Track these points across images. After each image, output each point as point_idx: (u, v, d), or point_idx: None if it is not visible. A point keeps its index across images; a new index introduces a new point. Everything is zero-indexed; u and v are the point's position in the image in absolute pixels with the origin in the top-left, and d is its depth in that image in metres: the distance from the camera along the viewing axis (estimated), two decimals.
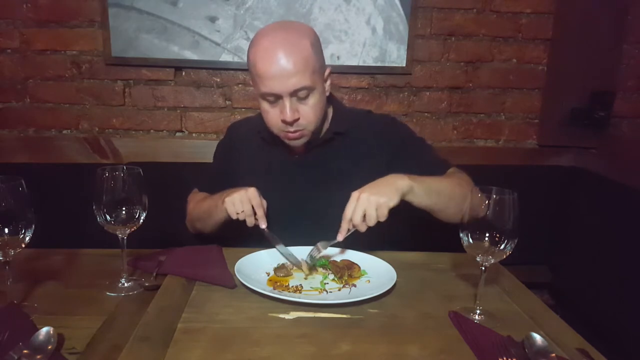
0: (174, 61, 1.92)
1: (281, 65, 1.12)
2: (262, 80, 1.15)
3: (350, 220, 1.06)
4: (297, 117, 1.17)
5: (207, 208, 1.30)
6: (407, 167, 1.26)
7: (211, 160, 1.49)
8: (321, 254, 1.12)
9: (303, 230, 1.21)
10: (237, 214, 1.15)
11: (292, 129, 1.19)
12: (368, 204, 1.05)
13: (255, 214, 1.16)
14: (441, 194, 1.16)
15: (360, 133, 1.32)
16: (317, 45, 1.20)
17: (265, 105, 1.20)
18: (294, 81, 1.13)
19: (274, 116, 1.20)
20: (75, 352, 0.79)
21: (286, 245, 1.18)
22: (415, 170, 1.23)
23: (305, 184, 1.29)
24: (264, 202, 1.18)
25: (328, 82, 1.25)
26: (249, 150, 1.37)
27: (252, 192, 1.16)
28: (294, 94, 1.15)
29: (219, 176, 1.40)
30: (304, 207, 1.27)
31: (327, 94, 1.26)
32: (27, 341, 0.75)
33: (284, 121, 1.18)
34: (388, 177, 1.12)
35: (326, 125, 1.31)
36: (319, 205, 1.26)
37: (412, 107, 2.07)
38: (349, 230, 1.08)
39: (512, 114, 2.12)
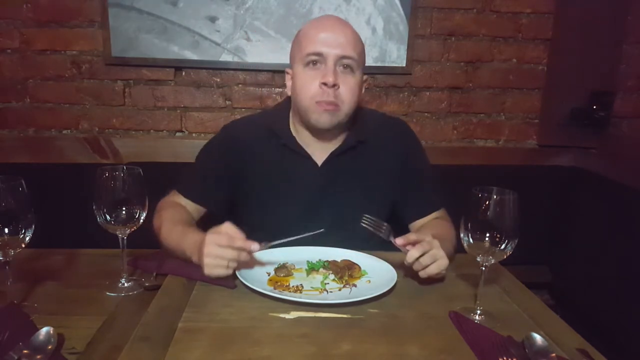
0: (174, 61, 1.92)
1: (335, 31, 1.16)
2: (311, 40, 1.16)
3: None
4: (338, 84, 1.15)
5: (180, 253, 1.10)
6: (409, 185, 1.32)
7: None
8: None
9: (326, 239, 1.17)
10: (229, 267, 1.00)
11: (330, 97, 1.15)
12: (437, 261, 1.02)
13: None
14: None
15: (380, 140, 1.30)
16: (363, 45, 1.23)
17: (305, 75, 1.17)
18: (344, 47, 1.15)
19: (312, 84, 1.16)
20: (75, 352, 0.79)
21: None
22: (411, 194, 1.31)
23: (328, 193, 1.26)
24: (229, 231, 1.01)
25: (363, 89, 1.25)
26: (263, 155, 1.28)
27: (211, 247, 0.99)
28: (340, 60, 1.15)
29: (211, 179, 1.29)
30: (326, 216, 1.24)
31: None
32: (27, 341, 0.75)
33: (324, 84, 1.14)
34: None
35: (349, 132, 1.28)
36: (343, 214, 1.25)
37: (412, 107, 2.07)
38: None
39: (512, 114, 2.12)
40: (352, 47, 1.16)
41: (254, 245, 1.00)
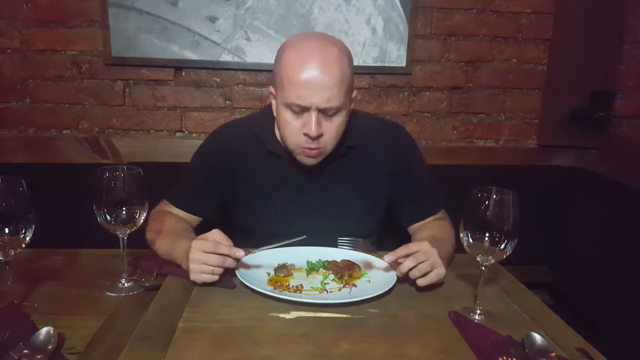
0: (174, 61, 1.92)
1: (318, 77, 1.05)
2: (293, 88, 1.07)
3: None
4: (321, 133, 1.10)
5: (172, 260, 1.11)
6: (404, 189, 1.30)
7: None
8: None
9: (320, 242, 1.18)
10: (214, 274, 1.01)
11: (313, 145, 1.12)
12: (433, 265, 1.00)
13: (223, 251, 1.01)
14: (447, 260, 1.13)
15: (372, 144, 1.28)
16: (352, 66, 1.13)
17: (287, 116, 1.12)
18: (327, 97, 1.06)
19: (295, 129, 1.12)
20: (75, 352, 0.79)
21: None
22: (408, 198, 1.29)
23: (319, 196, 1.25)
24: (216, 237, 1.02)
25: (352, 105, 1.19)
26: (251, 159, 1.27)
27: (196, 253, 1.00)
28: (323, 110, 1.09)
29: (202, 187, 1.30)
30: (318, 220, 1.22)
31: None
32: (27, 341, 0.75)
33: (306, 135, 1.10)
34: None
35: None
36: (333, 220, 1.24)
37: (412, 107, 2.07)
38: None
39: (512, 114, 2.12)
40: (337, 91, 1.07)
41: (239, 252, 1.00)
